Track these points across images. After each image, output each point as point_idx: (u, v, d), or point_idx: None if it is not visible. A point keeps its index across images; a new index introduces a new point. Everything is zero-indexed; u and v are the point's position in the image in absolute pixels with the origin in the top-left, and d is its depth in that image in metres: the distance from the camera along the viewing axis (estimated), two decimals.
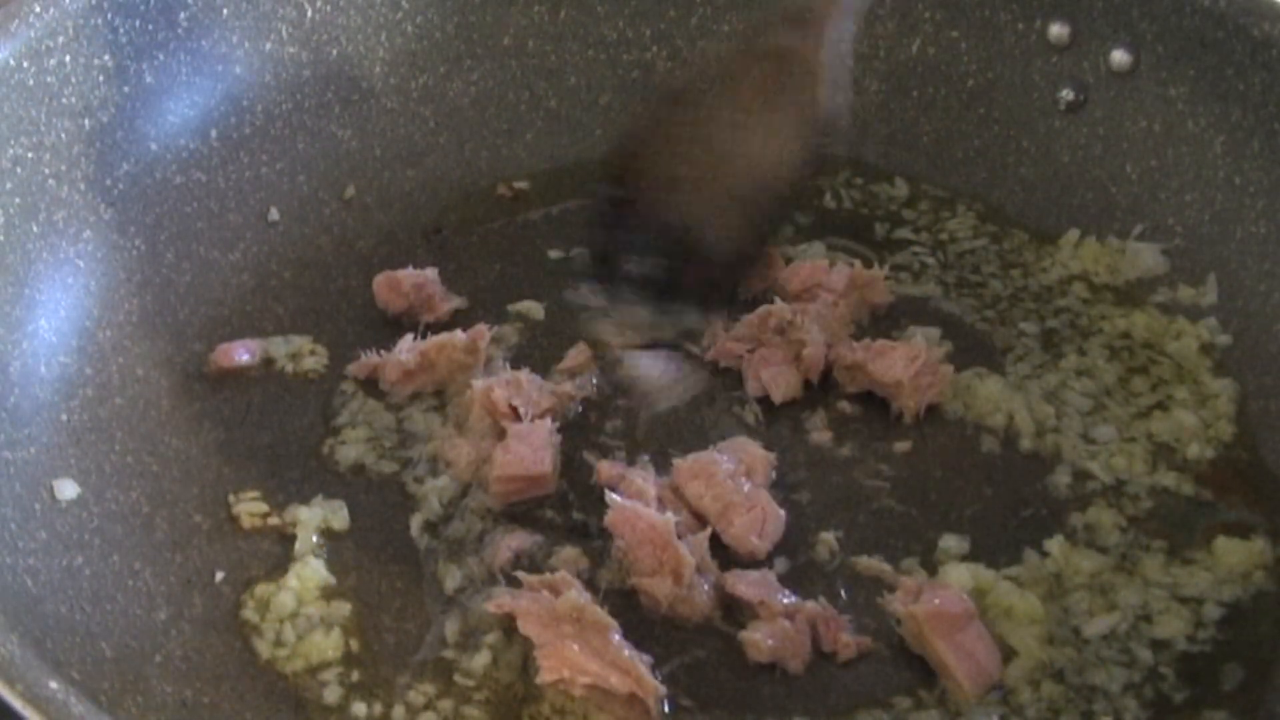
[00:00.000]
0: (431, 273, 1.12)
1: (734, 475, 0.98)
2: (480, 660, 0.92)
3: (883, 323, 1.11)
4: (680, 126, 0.98)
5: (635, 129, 1.01)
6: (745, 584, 0.94)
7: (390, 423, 1.05)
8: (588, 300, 1.01)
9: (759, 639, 0.92)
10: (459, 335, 1.06)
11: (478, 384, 1.03)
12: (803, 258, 1.14)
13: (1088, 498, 1.01)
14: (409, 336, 1.07)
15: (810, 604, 0.94)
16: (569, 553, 0.97)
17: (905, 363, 1.05)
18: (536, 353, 1.09)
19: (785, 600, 0.94)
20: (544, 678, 0.88)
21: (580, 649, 0.88)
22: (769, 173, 0.98)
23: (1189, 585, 0.96)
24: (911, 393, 1.04)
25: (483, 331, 1.07)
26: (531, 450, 0.99)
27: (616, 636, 0.89)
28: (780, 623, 0.92)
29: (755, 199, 0.98)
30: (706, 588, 0.94)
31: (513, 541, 0.97)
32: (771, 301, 1.08)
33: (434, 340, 1.06)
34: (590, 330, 1.06)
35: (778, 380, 1.06)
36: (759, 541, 0.97)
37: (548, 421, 1.01)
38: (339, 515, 0.99)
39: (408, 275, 1.11)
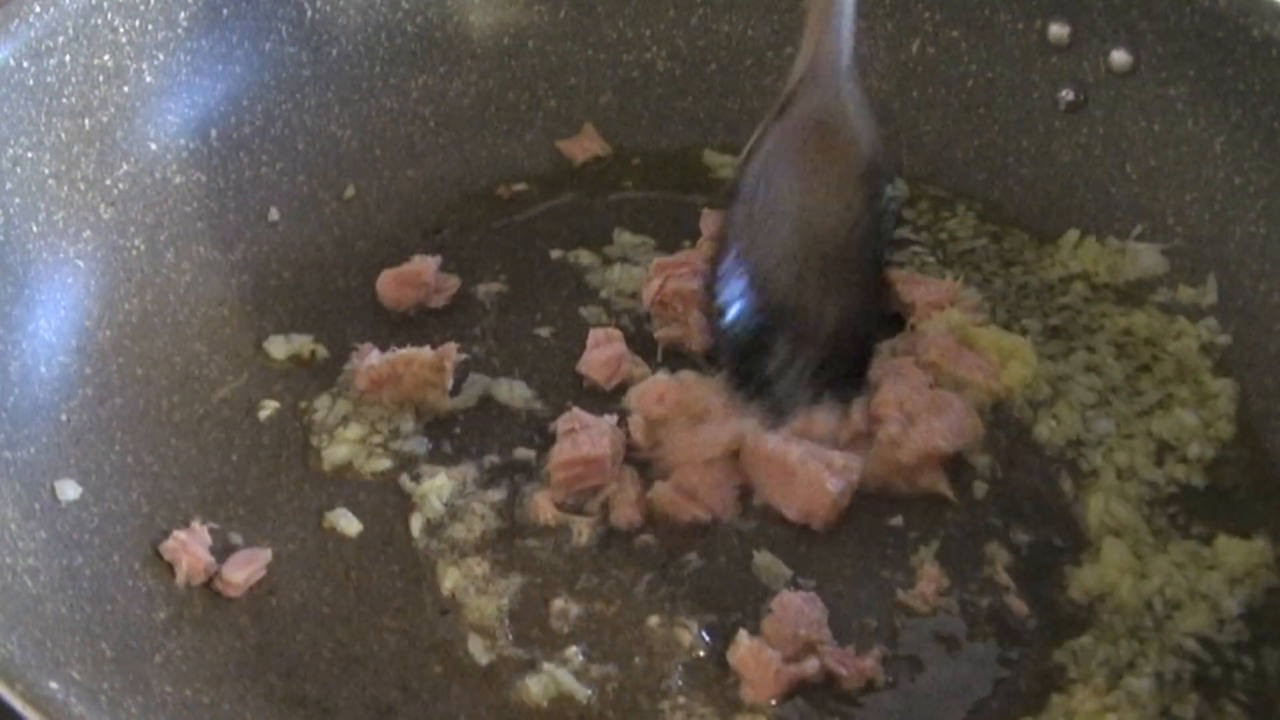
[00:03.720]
0: (432, 261, 1.12)
1: None
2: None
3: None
4: (752, 218, 1.02)
5: (716, 237, 1.05)
6: (797, 607, 0.93)
7: (389, 423, 1.05)
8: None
9: (745, 643, 0.92)
10: (426, 351, 1.04)
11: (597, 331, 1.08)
12: None
13: (1088, 496, 1.00)
14: (370, 346, 1.06)
15: (812, 661, 0.91)
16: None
17: (927, 288, 1.10)
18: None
19: (796, 640, 0.92)
20: None
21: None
22: (842, 231, 1.01)
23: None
24: (924, 312, 1.08)
25: (451, 351, 1.05)
26: (591, 438, 1.00)
27: None
28: (765, 650, 0.91)
29: (843, 259, 1.02)
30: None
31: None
32: None
33: (402, 353, 1.04)
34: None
35: None
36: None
37: (610, 418, 1.02)
38: (343, 518, 0.99)
39: (413, 269, 1.12)
